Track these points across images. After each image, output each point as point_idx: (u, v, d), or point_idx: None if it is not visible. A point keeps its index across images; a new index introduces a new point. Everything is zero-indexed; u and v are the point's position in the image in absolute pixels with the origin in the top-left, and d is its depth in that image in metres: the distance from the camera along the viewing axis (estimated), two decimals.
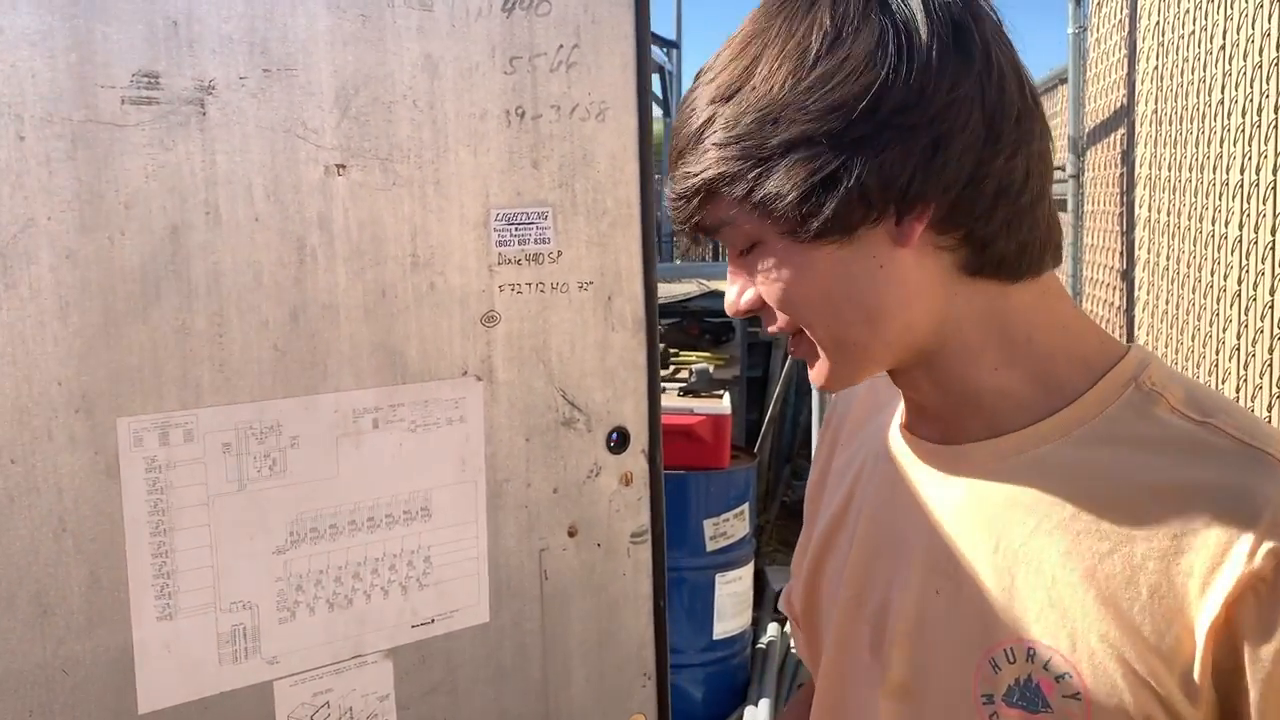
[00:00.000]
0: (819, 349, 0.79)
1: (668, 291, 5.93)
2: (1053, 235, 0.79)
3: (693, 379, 4.10)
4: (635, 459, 1.22)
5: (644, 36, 1.15)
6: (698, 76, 0.79)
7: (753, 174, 0.73)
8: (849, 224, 0.73)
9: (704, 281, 6.16)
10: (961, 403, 0.80)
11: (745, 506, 3.79)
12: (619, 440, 1.20)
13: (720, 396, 3.95)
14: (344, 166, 0.99)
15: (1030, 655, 0.73)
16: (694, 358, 5.06)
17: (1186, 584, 0.69)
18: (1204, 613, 0.68)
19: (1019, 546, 0.75)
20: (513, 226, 1.09)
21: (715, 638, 3.74)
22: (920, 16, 0.72)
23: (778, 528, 6.37)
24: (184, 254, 0.92)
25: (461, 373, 1.08)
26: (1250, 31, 2.14)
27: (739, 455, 3.98)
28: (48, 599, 0.89)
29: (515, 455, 1.13)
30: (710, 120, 0.75)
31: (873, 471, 0.90)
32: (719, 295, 6.19)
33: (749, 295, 0.79)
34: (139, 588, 0.93)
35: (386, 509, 1.05)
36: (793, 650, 4.40)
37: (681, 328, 5.80)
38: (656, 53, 11.44)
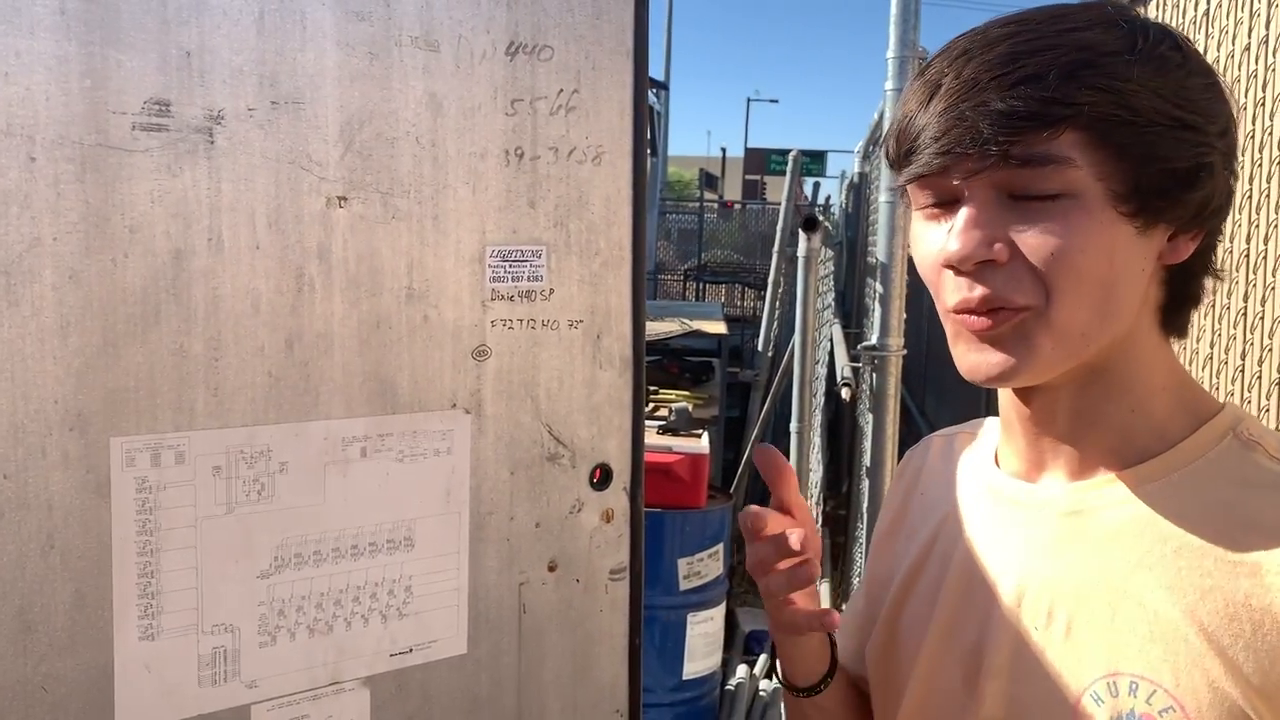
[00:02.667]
0: (1037, 329, 0.76)
1: (650, 330, 5.97)
2: None
3: (672, 418, 4.12)
4: (617, 496, 1.23)
5: (641, 85, 1.18)
6: (1014, 21, 0.76)
7: (1145, 128, 0.73)
8: (1186, 216, 0.76)
9: (686, 320, 6.21)
10: (1082, 435, 0.82)
11: (720, 547, 3.80)
12: (602, 477, 1.22)
13: (699, 436, 3.98)
14: (345, 199, 1.01)
15: (1134, 689, 0.74)
16: (674, 396, 5.09)
17: None
18: None
19: (1121, 580, 0.77)
20: (507, 263, 1.11)
21: (685, 677, 3.74)
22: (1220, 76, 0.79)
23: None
24: (185, 279, 0.94)
25: (450, 405, 1.10)
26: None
27: (715, 495, 4.00)
28: (31, 615, 0.90)
29: (500, 489, 1.14)
30: (1087, 61, 0.72)
31: (963, 514, 0.91)
32: (700, 335, 6.23)
33: (1000, 245, 0.75)
34: (123, 607, 0.94)
35: (370, 537, 1.06)
36: (760, 693, 4.38)
37: (662, 366, 5.83)
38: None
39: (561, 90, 1.12)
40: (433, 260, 1.06)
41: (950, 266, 0.77)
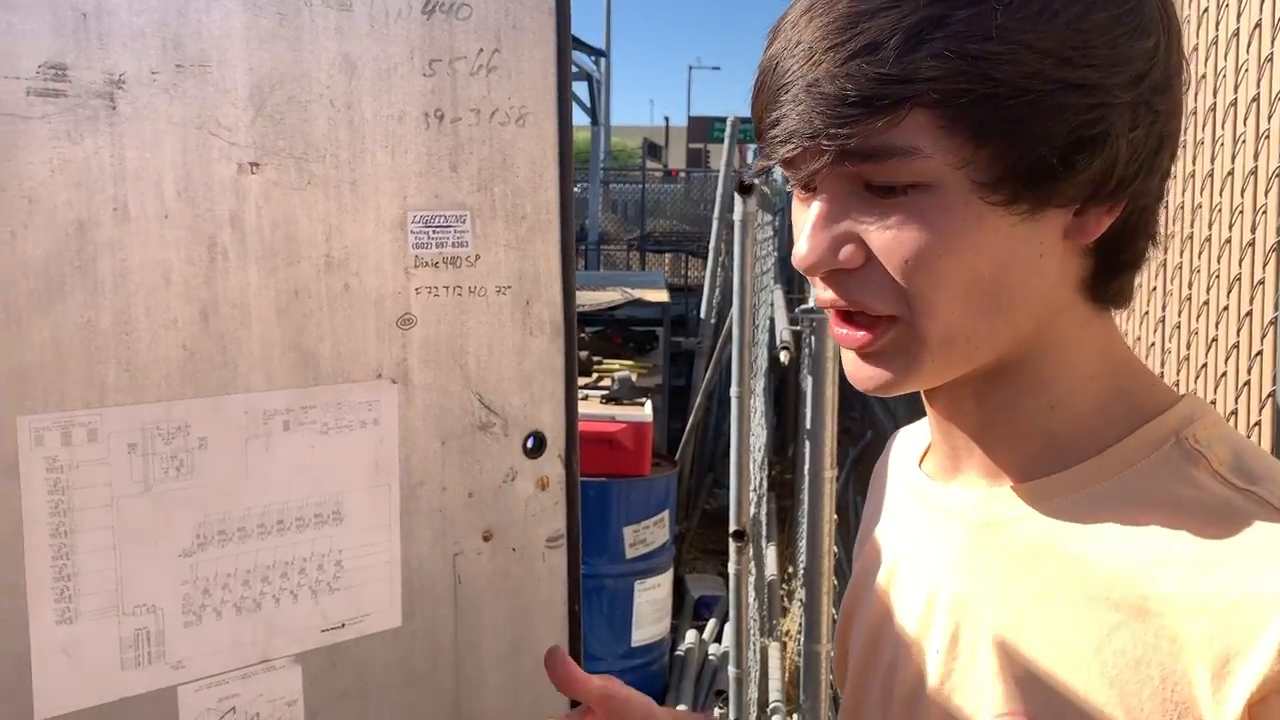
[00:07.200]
0: (910, 340, 0.66)
1: (592, 300, 5.94)
2: None
3: (615, 387, 4.11)
4: (552, 464, 1.22)
5: (565, 43, 1.16)
6: None
7: (1008, 100, 0.60)
8: (1082, 194, 0.63)
9: (628, 290, 6.19)
10: (995, 437, 0.72)
11: (665, 514, 3.81)
12: (535, 445, 1.20)
13: (642, 404, 3.98)
14: (257, 165, 0.98)
15: None
16: (617, 366, 5.08)
17: (1204, 676, 0.60)
18: (1224, 711, 0.59)
19: (1027, 607, 0.68)
20: (430, 229, 1.09)
21: (634, 644, 3.76)
22: None
23: (698, 535, 6.41)
24: (90, 250, 0.90)
25: (376, 375, 1.07)
26: None
27: (660, 463, 4.01)
28: None
29: (430, 459, 1.12)
30: (936, 19, 0.60)
31: (891, 516, 0.84)
32: (643, 304, 6.22)
33: (850, 249, 0.65)
34: (37, 591, 0.91)
35: (297, 512, 1.04)
36: (710, 657, 4.42)
37: (605, 336, 5.83)
38: (585, 60, 11.47)
39: (481, 50, 1.10)
40: (352, 227, 1.04)
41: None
